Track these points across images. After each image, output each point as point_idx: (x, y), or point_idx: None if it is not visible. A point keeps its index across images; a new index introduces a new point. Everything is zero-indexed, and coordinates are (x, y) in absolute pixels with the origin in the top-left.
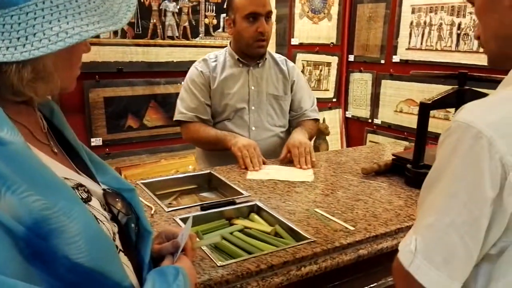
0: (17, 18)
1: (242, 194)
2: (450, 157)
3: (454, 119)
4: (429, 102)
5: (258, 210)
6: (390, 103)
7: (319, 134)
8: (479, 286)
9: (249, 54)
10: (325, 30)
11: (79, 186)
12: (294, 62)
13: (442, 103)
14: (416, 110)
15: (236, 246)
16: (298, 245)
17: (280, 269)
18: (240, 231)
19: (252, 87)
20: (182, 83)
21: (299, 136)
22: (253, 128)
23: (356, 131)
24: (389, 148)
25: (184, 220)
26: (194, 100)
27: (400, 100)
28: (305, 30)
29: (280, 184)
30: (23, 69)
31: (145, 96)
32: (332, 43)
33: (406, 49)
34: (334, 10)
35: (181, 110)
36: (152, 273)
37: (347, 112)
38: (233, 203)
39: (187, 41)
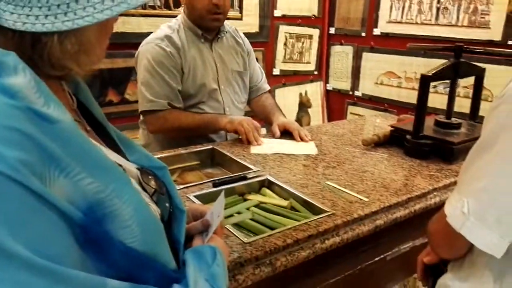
0: None
1: (250, 169)
2: (505, 123)
3: (509, 87)
4: (429, 74)
5: (269, 185)
6: (371, 75)
7: (302, 106)
8: None
9: (202, 26)
10: (307, 2)
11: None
12: (277, 35)
13: (440, 75)
14: (396, 82)
15: (256, 222)
16: (319, 218)
17: (305, 243)
18: (256, 206)
19: (218, 65)
20: (138, 62)
21: (285, 119)
22: (227, 109)
23: (337, 103)
24: (378, 120)
25: (199, 197)
26: (165, 86)
27: (380, 73)
28: (287, 1)
29: (285, 157)
30: (66, 40)
31: (126, 68)
32: (313, 15)
33: (387, 22)
34: None
35: (150, 98)
36: (189, 253)
37: (328, 85)
38: (245, 178)
39: (169, 11)
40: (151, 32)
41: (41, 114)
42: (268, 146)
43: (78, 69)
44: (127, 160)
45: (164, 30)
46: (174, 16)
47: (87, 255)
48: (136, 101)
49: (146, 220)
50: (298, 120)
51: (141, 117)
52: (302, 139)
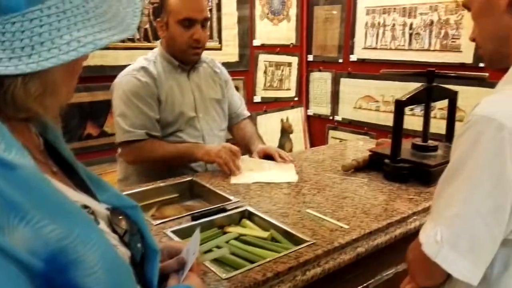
0: (19, 25)
1: (230, 200)
2: (471, 149)
3: (472, 113)
4: (403, 99)
5: (249, 216)
6: (350, 100)
7: (283, 132)
8: (496, 271)
9: (182, 60)
10: (285, 31)
11: (84, 208)
12: (257, 63)
13: (414, 99)
14: (374, 105)
15: (236, 255)
16: (299, 248)
17: (286, 275)
18: (236, 239)
19: (196, 93)
20: (114, 94)
21: (264, 145)
22: (206, 137)
23: (318, 128)
24: (359, 144)
25: (177, 232)
26: (141, 115)
27: (358, 97)
28: (266, 31)
29: (266, 186)
30: (30, 83)
31: (105, 101)
32: (291, 43)
33: (363, 48)
34: (293, 11)
35: (127, 129)
36: None
37: (308, 110)
38: (224, 210)
39: (149, 44)
40: (130, 65)
41: (1, 160)
42: (248, 174)
43: (43, 111)
44: (97, 200)
45: (140, 62)
46: (138, 49)
47: None
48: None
49: (113, 264)
50: (281, 146)
51: (119, 150)
52: (282, 158)
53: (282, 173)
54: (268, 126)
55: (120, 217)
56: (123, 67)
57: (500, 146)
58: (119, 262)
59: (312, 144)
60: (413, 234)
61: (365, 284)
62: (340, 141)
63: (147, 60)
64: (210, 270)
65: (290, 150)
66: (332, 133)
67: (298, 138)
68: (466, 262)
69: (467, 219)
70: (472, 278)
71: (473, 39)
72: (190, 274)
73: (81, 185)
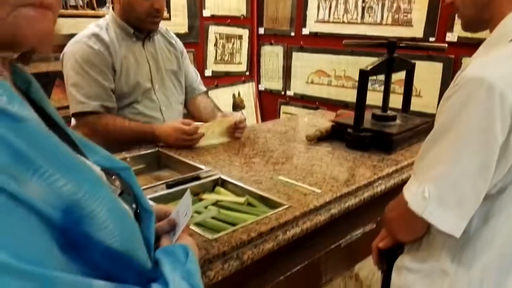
0: None
1: (200, 169)
2: (461, 109)
3: (462, 76)
4: (367, 69)
5: (222, 183)
6: (302, 74)
7: (235, 107)
8: (475, 225)
9: (139, 28)
10: (235, 2)
11: None
12: (207, 35)
13: (377, 70)
14: (326, 80)
15: (217, 219)
16: (278, 211)
17: (269, 235)
18: (213, 205)
19: (151, 63)
20: (65, 64)
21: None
22: (164, 109)
23: (269, 103)
24: (317, 118)
25: (154, 200)
26: (94, 85)
27: (310, 72)
28: (216, 1)
29: (234, 156)
30: None
31: (49, 73)
32: (242, 15)
33: (315, 21)
34: None
35: (81, 99)
36: (161, 253)
37: (260, 85)
38: (198, 178)
39: (93, 11)
40: (73, 34)
41: (7, 112)
42: (212, 135)
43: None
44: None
45: (91, 28)
46: (98, 17)
47: (68, 257)
48: (63, 107)
49: (122, 219)
50: None
51: (73, 121)
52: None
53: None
54: (220, 101)
55: (114, 177)
56: (67, 36)
57: (490, 106)
58: (126, 217)
59: (264, 119)
60: (379, 197)
61: (337, 243)
62: (291, 115)
63: (98, 26)
64: (196, 233)
65: None
66: (284, 108)
67: (250, 113)
68: (451, 216)
69: (455, 176)
70: (457, 230)
71: (451, 2)
72: (183, 235)
73: (72, 145)
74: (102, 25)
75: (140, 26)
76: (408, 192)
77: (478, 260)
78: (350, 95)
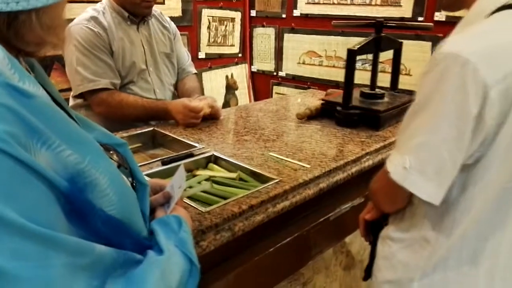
0: None
1: (194, 147)
2: (438, 84)
3: (439, 52)
4: (355, 49)
5: (215, 160)
6: (293, 55)
7: (229, 89)
8: (454, 194)
9: (132, 12)
10: None
11: None
12: (200, 18)
13: (364, 49)
14: (317, 60)
15: (210, 194)
16: (269, 185)
17: (259, 208)
18: (206, 180)
19: (145, 46)
20: (67, 45)
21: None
22: (158, 91)
23: (262, 84)
24: (299, 100)
25: (150, 175)
26: (101, 63)
27: (302, 52)
28: None
29: (227, 134)
30: (44, 16)
31: (47, 57)
32: None
33: (306, 3)
34: None
35: (91, 78)
36: (156, 223)
37: (252, 67)
38: (192, 155)
39: None
40: (71, 19)
41: (19, 89)
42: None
43: (57, 41)
44: None
45: (89, 12)
46: (95, 2)
47: (72, 223)
48: (62, 90)
49: (121, 188)
50: (226, 102)
51: (72, 102)
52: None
53: None
54: (214, 83)
55: (111, 152)
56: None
57: (464, 80)
58: (125, 187)
59: (257, 100)
60: (367, 172)
61: (326, 217)
62: (283, 95)
63: (96, 10)
64: (189, 206)
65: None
66: (276, 88)
67: (243, 94)
68: (431, 185)
69: (434, 147)
70: (436, 199)
71: None
72: (177, 207)
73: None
74: (99, 9)
75: (134, 10)
76: (390, 163)
77: (457, 227)
78: (341, 75)
